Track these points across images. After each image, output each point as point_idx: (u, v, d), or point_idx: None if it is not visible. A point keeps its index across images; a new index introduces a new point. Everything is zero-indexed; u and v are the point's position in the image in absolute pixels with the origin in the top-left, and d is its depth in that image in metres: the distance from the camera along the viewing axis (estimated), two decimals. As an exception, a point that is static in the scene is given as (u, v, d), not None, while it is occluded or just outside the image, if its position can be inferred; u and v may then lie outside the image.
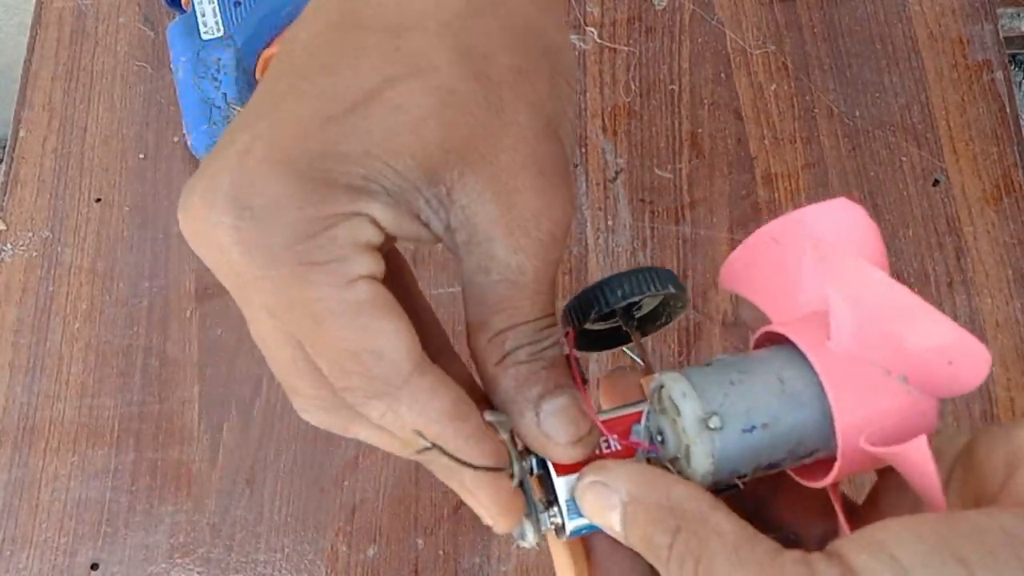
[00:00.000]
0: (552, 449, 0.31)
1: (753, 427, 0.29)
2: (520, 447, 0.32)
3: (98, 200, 0.62)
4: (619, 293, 0.33)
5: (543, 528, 0.31)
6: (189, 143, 0.61)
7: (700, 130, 0.64)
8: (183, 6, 0.64)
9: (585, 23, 0.65)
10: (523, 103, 0.31)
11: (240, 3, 0.62)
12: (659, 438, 0.31)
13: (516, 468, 0.31)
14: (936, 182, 0.62)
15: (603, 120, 0.64)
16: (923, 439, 0.27)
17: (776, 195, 0.62)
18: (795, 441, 0.30)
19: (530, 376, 0.31)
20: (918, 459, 0.27)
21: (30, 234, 0.61)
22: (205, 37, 0.62)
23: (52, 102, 0.65)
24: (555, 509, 0.31)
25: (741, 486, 0.31)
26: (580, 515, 0.31)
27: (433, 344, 0.33)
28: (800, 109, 0.65)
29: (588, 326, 0.35)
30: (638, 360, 0.37)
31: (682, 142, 0.64)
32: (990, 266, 0.60)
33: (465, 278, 0.31)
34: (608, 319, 0.35)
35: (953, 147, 0.63)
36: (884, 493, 0.32)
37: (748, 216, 0.61)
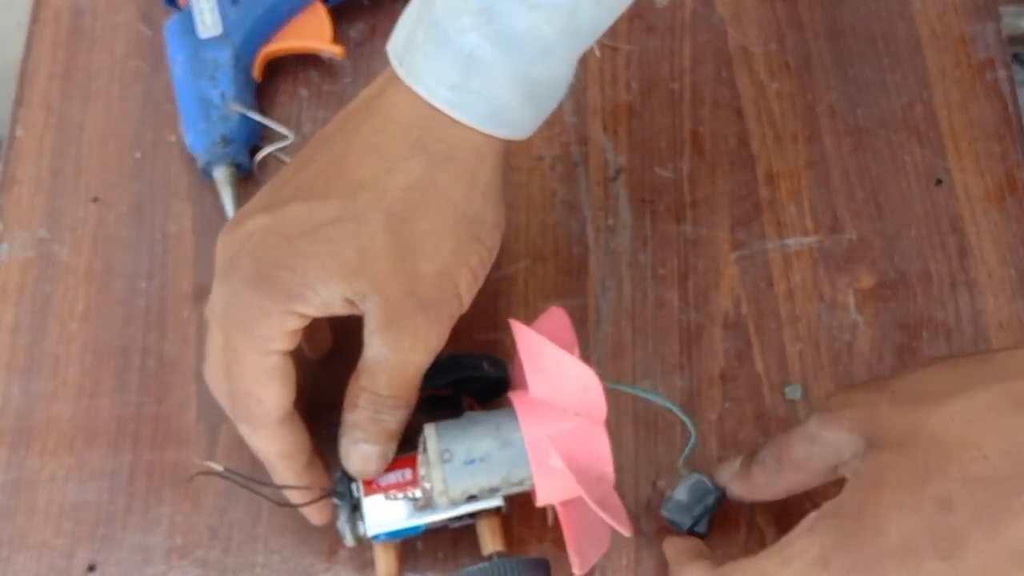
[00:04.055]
0: (348, 467, 0.46)
1: (473, 460, 0.44)
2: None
3: (95, 199, 0.62)
4: (433, 382, 0.47)
5: (359, 533, 0.47)
6: (186, 142, 0.61)
7: (701, 129, 0.64)
8: (179, 4, 0.64)
9: (585, 21, 0.65)
10: (422, 256, 0.44)
11: (237, 1, 0.62)
12: (422, 471, 0.46)
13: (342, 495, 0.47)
14: (939, 181, 0.62)
15: (603, 119, 0.64)
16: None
17: (778, 194, 0.62)
18: (506, 470, 0.45)
19: (364, 423, 0.45)
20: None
21: (27, 234, 0.61)
22: (202, 36, 0.62)
23: (49, 101, 0.65)
24: (361, 519, 0.46)
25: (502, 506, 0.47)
26: (377, 526, 0.46)
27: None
28: (802, 108, 0.64)
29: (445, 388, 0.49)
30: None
31: (683, 141, 0.64)
32: (993, 266, 0.59)
33: (364, 337, 0.44)
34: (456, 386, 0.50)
35: (956, 146, 0.63)
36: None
37: (750, 215, 0.61)
